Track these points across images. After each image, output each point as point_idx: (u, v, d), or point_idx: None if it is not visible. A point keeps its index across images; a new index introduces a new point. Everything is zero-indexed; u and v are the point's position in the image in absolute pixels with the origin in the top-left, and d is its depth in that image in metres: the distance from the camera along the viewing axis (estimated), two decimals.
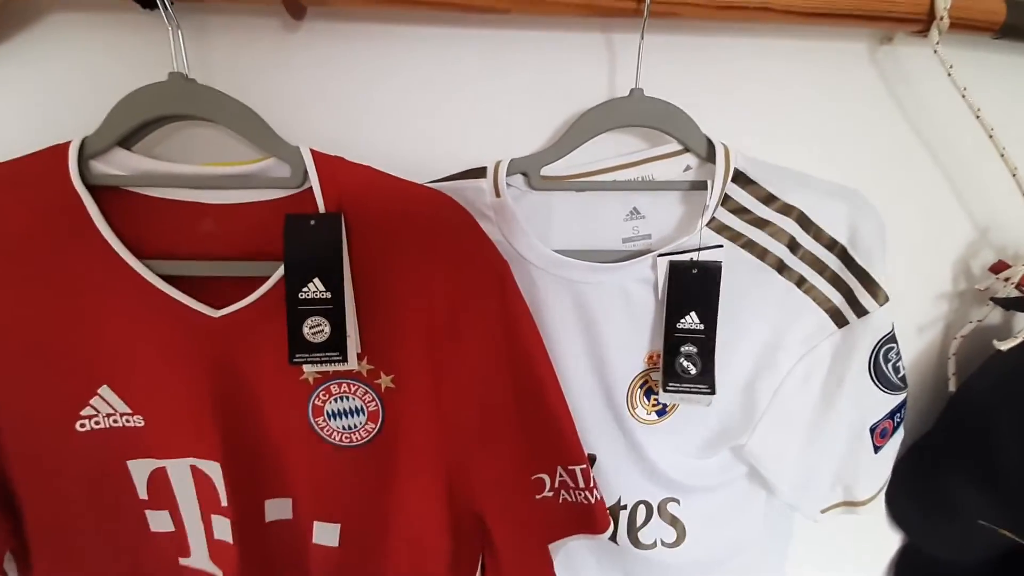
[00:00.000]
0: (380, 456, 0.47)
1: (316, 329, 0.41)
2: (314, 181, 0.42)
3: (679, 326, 0.49)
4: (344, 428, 0.46)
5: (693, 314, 0.49)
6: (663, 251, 0.48)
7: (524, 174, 0.49)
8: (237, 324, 0.43)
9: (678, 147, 0.49)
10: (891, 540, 0.66)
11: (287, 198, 0.44)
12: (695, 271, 0.48)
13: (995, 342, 0.52)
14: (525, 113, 0.51)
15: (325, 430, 0.46)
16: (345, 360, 0.42)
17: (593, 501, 0.48)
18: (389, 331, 0.44)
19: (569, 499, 0.49)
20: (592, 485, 0.48)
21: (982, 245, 0.58)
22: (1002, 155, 0.49)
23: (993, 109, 0.48)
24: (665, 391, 0.49)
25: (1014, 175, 0.50)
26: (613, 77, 0.50)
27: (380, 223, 0.43)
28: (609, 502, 0.54)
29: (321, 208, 0.42)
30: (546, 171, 0.49)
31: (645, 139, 0.51)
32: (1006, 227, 0.58)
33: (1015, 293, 0.54)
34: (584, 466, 0.48)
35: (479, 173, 0.48)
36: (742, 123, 0.52)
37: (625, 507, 0.55)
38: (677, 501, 0.56)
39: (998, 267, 0.54)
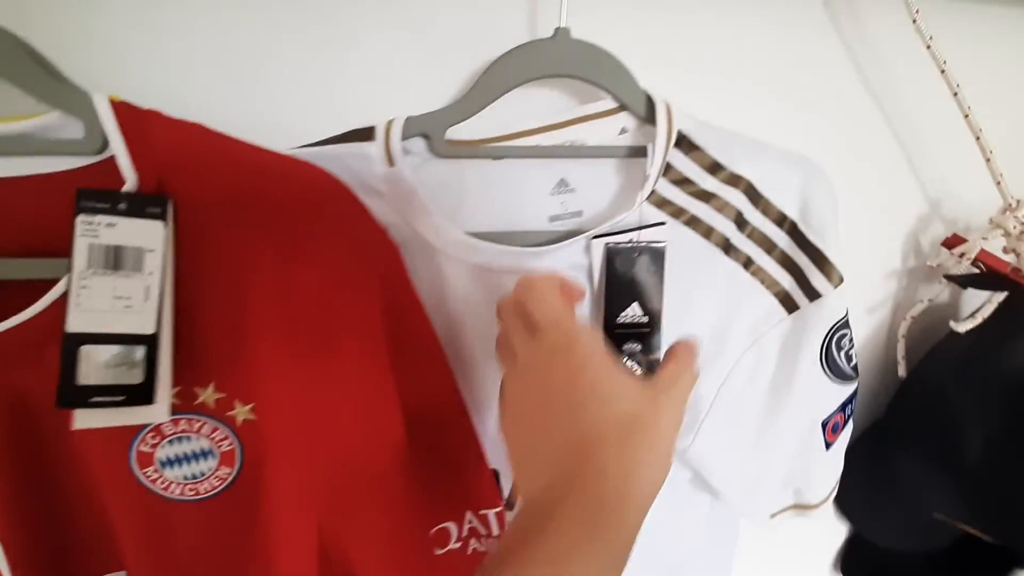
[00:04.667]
0: (240, 508, 0.36)
1: (106, 361, 0.30)
2: (118, 145, 0.30)
3: (620, 320, 0.41)
4: (187, 478, 0.35)
5: (635, 306, 0.42)
6: (598, 232, 0.39)
7: (425, 137, 0.38)
8: (19, 344, 0.31)
9: (612, 104, 0.40)
10: (841, 536, 0.63)
11: (82, 169, 0.31)
12: (636, 255, 0.40)
13: (952, 324, 0.48)
14: (430, 62, 0.40)
15: (159, 483, 0.35)
16: (149, 402, 0.31)
17: None
18: (242, 348, 0.34)
19: (481, 549, 0.41)
20: None
21: (933, 218, 0.54)
22: (966, 116, 0.44)
23: (959, 64, 0.43)
24: None
25: (978, 139, 0.45)
26: (535, 15, 0.41)
27: (220, 205, 0.32)
28: None
29: (131, 184, 0.30)
30: (453, 134, 0.39)
31: (576, 95, 0.42)
32: (960, 198, 0.53)
33: (970, 270, 0.50)
34: (499, 509, 0.40)
35: (365, 135, 0.37)
36: (682, 75, 0.44)
37: None
38: None
39: (952, 242, 0.50)
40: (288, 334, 0.34)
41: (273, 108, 0.38)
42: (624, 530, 0.25)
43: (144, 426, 0.34)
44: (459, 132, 0.39)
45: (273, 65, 0.38)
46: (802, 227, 0.42)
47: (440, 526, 0.40)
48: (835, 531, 0.62)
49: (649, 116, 0.40)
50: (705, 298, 0.43)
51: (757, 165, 0.41)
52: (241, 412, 0.35)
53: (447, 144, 0.38)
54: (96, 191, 0.30)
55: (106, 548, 0.36)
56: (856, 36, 0.47)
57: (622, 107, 0.40)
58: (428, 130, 0.38)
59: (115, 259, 0.30)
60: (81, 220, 0.30)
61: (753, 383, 0.45)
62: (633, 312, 0.41)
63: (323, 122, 0.38)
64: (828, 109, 0.49)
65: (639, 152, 0.40)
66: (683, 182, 0.41)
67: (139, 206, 0.30)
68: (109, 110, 0.30)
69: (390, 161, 0.37)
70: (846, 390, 0.47)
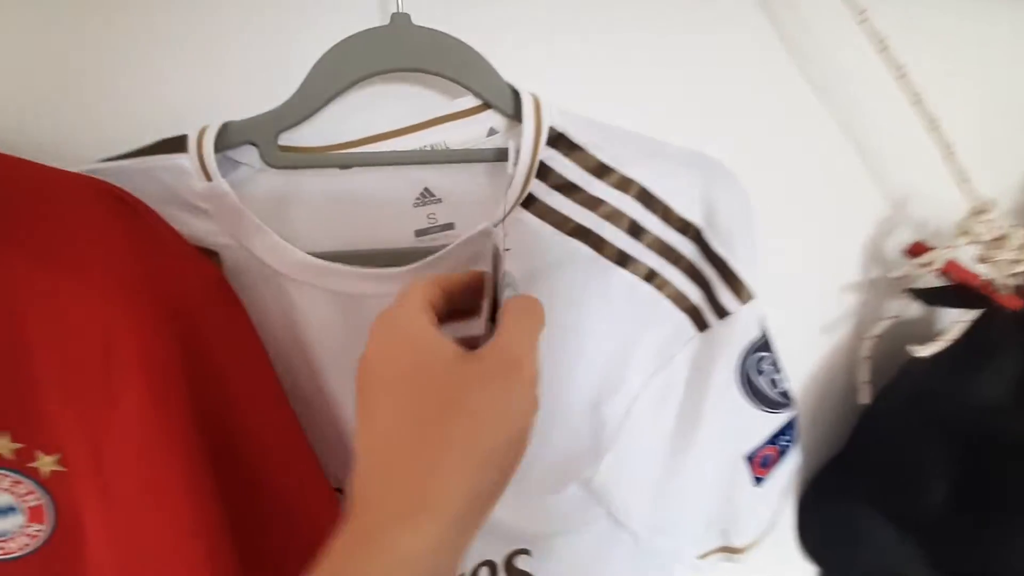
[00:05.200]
0: (60, 569, 0.33)
1: None
2: None
3: None
4: None
5: None
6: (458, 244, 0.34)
7: (254, 144, 0.34)
8: None
9: (477, 102, 0.35)
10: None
11: None
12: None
13: (910, 347, 0.41)
14: (262, 57, 0.35)
15: None
16: None
17: None
18: (33, 394, 0.30)
19: None
20: None
21: (899, 221, 0.46)
22: (917, 103, 0.37)
23: (903, 41, 0.36)
24: None
25: (935, 130, 0.37)
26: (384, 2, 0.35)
27: None
28: None
29: None
30: (289, 141, 0.34)
31: (448, 93, 0.36)
32: (930, 198, 0.46)
33: (937, 282, 0.42)
34: None
35: (177, 144, 0.32)
36: (563, 68, 0.38)
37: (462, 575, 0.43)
38: (528, 552, 0.44)
39: (915, 250, 0.43)
40: (78, 377, 0.30)
41: (80, 116, 0.34)
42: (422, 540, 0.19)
43: None
44: (294, 137, 0.34)
45: (77, 66, 0.33)
46: (707, 235, 0.36)
47: None
48: (801, 571, 0.55)
49: (518, 113, 0.34)
50: (601, 315, 0.37)
51: (651, 166, 0.35)
52: (46, 463, 0.31)
53: (279, 153, 0.34)
54: None
55: None
56: (792, 19, 0.40)
57: (486, 104, 0.34)
58: (253, 137, 0.33)
59: None
60: None
61: (663, 410, 0.40)
62: None
63: (141, 131, 0.33)
64: (769, 103, 0.42)
65: (505, 155, 0.34)
66: (567, 187, 0.35)
67: None
68: None
69: (207, 175, 0.32)
70: (776, 420, 0.40)
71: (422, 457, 0.19)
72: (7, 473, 0.31)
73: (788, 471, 0.43)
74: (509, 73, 0.34)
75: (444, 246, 0.35)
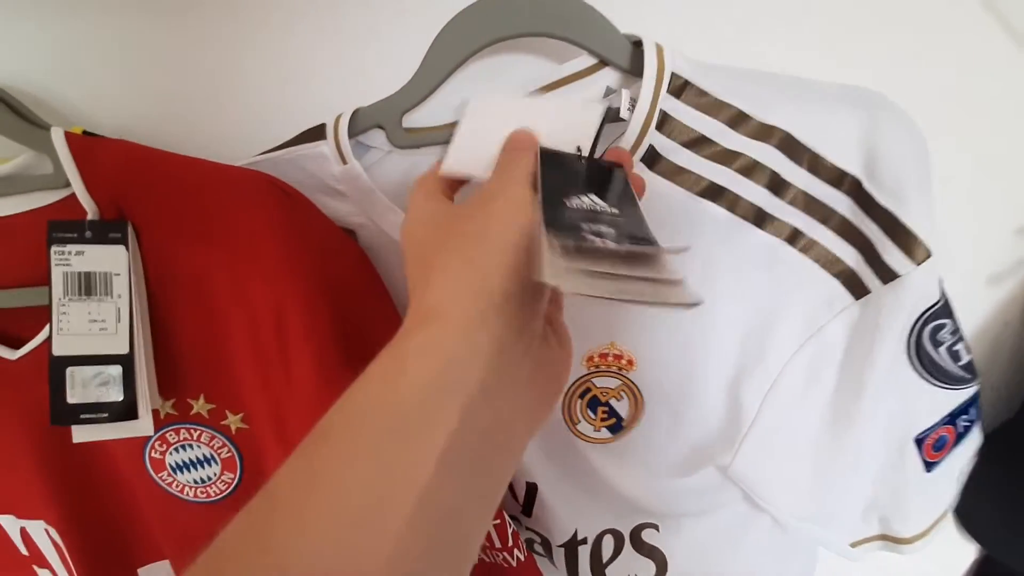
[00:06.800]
0: None
1: (88, 381, 0.32)
2: (73, 177, 0.31)
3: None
4: (196, 482, 0.38)
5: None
6: None
7: (381, 128, 0.35)
8: (40, 364, 0.34)
9: (591, 61, 0.33)
10: (969, 559, 0.49)
11: (58, 203, 0.34)
12: None
13: None
14: (382, 41, 0.37)
15: (174, 485, 0.38)
16: (134, 417, 0.32)
17: (514, 563, 0.37)
18: (220, 360, 0.35)
19: (487, 559, 0.39)
20: (511, 544, 0.37)
21: None
22: None
23: None
24: None
25: None
26: None
27: (170, 222, 0.32)
28: (562, 538, 0.43)
29: (91, 212, 0.32)
30: (412, 121, 0.35)
31: (552, 57, 0.35)
32: None
33: None
34: (497, 522, 0.37)
35: (318, 133, 0.35)
36: (690, 16, 0.35)
37: (584, 541, 0.43)
38: (655, 527, 0.43)
39: None
40: (253, 345, 0.34)
41: (237, 116, 0.38)
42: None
43: (154, 431, 0.37)
44: (417, 118, 0.35)
45: (226, 76, 0.37)
46: (868, 186, 0.31)
47: None
48: (960, 552, 0.49)
49: (636, 67, 0.32)
50: (736, 282, 0.35)
51: (796, 109, 0.31)
52: (233, 421, 0.37)
53: (405, 133, 0.35)
54: (64, 222, 0.32)
55: (145, 542, 0.40)
56: None
57: (603, 62, 0.33)
58: (381, 120, 0.34)
59: (87, 285, 0.32)
60: (54, 250, 0.32)
61: (812, 388, 0.36)
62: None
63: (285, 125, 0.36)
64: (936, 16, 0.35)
65: (616, 115, 0.32)
66: (696, 142, 0.33)
67: (101, 233, 0.32)
68: (63, 142, 0.31)
69: (343, 159, 0.34)
70: (955, 397, 0.35)
71: (428, 278, 0.23)
72: (205, 429, 0.37)
73: (965, 454, 0.38)
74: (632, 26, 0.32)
75: None
